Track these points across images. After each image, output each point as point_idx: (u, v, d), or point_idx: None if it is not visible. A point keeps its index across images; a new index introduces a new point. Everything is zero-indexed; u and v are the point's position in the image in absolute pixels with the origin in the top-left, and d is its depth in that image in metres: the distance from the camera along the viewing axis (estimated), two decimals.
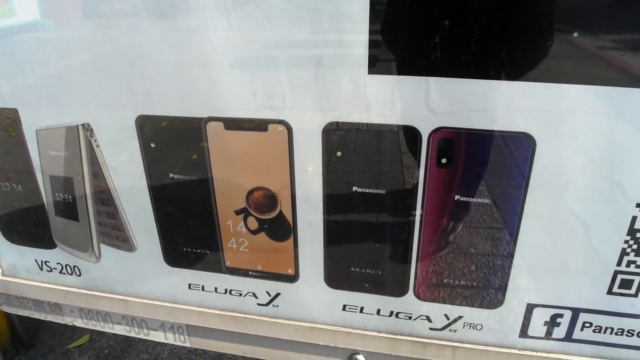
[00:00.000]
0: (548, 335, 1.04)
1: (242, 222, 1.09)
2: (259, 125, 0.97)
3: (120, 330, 1.40)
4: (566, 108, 0.83)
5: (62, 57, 1.06)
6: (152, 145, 1.06)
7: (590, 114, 0.82)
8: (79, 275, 1.34)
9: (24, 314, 1.52)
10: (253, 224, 1.09)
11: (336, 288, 1.11)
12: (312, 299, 1.14)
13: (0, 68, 1.12)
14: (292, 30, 0.88)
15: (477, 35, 0.80)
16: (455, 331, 1.08)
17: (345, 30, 0.86)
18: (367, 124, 0.92)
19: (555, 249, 0.95)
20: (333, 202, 1.01)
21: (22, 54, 1.08)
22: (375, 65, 0.87)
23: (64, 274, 1.36)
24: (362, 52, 0.87)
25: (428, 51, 0.83)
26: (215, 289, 1.21)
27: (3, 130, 1.19)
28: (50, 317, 1.47)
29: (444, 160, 0.92)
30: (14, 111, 1.15)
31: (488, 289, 1.02)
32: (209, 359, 1.97)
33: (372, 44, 0.86)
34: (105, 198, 1.17)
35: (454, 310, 1.06)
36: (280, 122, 0.96)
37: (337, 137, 0.95)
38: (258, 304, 1.19)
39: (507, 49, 0.81)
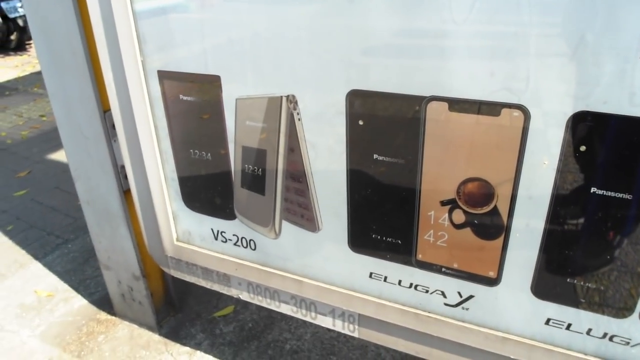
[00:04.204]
0: None
1: (447, 215, 1.00)
2: (491, 108, 0.87)
3: (286, 309, 1.37)
4: None
5: (271, 24, 1.02)
6: (360, 122, 1.00)
7: None
8: (254, 249, 1.33)
9: (191, 280, 1.54)
10: (459, 217, 0.99)
11: (544, 299, 0.99)
12: (511, 307, 1.03)
13: (206, 34, 1.11)
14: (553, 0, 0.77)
15: None
16: None
17: (619, 2, 0.73)
18: (625, 116, 0.79)
19: None
20: (564, 202, 0.89)
21: (229, 19, 1.06)
22: None
23: (239, 246, 1.35)
24: (636, 29, 0.73)
25: None
26: (400, 281, 1.13)
27: (199, 105, 1.20)
28: (216, 287, 1.49)
29: None
30: (217, 78, 1.14)
31: None
32: (352, 347, 1.92)
33: None
34: (297, 174, 1.13)
35: None
36: (518, 106, 0.85)
37: (585, 128, 0.82)
38: (445, 304, 1.10)
39: None
